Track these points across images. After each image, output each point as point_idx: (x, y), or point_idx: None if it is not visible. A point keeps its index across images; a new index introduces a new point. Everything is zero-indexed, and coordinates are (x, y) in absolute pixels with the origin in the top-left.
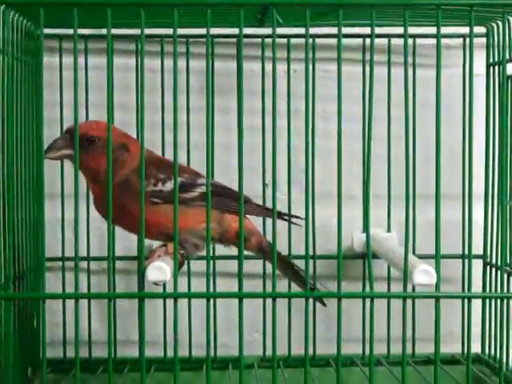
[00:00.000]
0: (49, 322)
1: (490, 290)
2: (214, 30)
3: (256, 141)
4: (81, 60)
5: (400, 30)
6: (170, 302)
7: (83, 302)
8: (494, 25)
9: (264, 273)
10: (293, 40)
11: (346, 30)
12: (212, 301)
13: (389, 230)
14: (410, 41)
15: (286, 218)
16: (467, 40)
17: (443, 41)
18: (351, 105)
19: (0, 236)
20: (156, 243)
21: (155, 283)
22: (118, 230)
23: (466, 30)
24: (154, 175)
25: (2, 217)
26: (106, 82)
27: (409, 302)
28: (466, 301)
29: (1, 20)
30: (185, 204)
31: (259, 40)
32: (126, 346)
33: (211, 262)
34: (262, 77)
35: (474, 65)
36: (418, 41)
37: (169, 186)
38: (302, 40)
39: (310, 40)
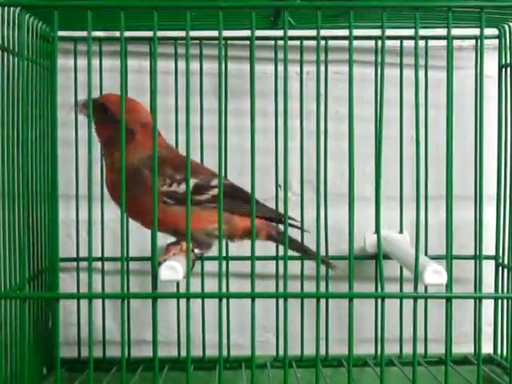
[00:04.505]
0: (63, 322)
1: (502, 290)
2: (227, 33)
3: (269, 142)
4: (95, 62)
5: (412, 32)
6: (183, 302)
7: (97, 302)
8: (506, 26)
9: (276, 273)
10: (305, 42)
11: (358, 32)
12: (225, 301)
13: (401, 230)
14: (422, 43)
15: (291, 223)
16: (479, 42)
17: (456, 42)
18: (363, 106)
19: (15, 237)
20: (169, 238)
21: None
22: (132, 230)
23: (478, 31)
24: (170, 175)
25: (17, 218)
26: (120, 83)
27: (421, 302)
28: (477, 301)
29: (16, 22)
30: (197, 205)
31: (272, 42)
32: (139, 345)
33: (224, 262)
34: (274, 78)
35: (486, 66)
36: (431, 42)
37: (183, 187)
38: (315, 42)
39: (322, 42)
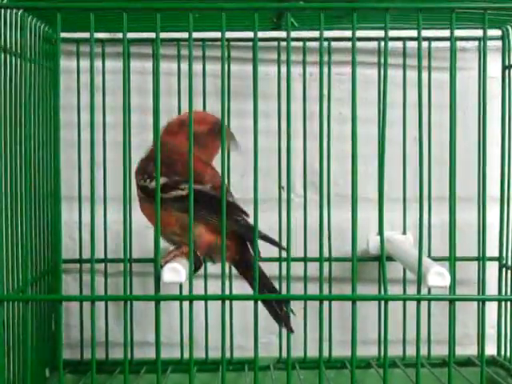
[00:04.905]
0: (66, 324)
1: (506, 292)
2: (229, 34)
3: (271, 143)
4: (98, 63)
5: (415, 33)
6: (186, 304)
7: (100, 304)
8: (509, 28)
9: (279, 275)
10: (308, 43)
11: (361, 33)
12: (228, 303)
13: (404, 232)
14: (426, 44)
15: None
16: (482, 43)
17: (459, 43)
18: (366, 107)
19: (18, 238)
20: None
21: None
22: (135, 232)
23: (481, 32)
24: (150, 172)
25: (20, 219)
26: (123, 85)
27: (424, 304)
28: (481, 303)
29: (19, 24)
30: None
31: (275, 43)
32: (142, 347)
33: (227, 264)
34: (277, 80)
35: (489, 67)
36: (434, 44)
37: (154, 184)
38: (318, 43)
39: (325, 43)
